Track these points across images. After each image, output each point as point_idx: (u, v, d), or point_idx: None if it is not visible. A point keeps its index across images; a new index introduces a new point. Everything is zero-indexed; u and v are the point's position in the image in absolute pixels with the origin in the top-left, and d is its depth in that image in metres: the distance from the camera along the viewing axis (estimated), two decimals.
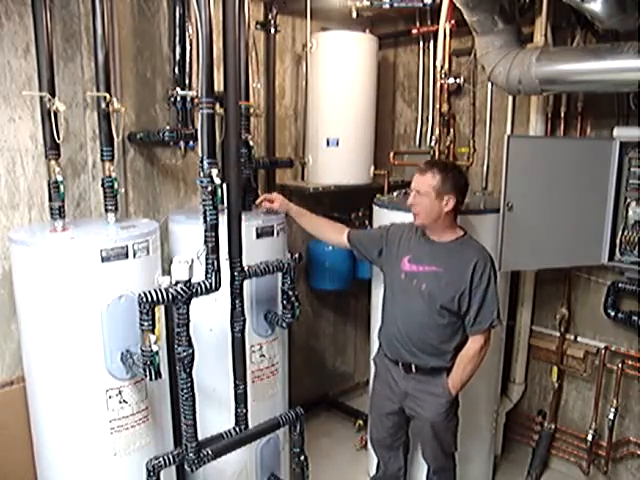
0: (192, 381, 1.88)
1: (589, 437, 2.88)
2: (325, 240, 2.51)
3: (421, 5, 2.91)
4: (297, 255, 2.23)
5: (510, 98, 2.88)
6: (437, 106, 2.82)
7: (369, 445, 2.64)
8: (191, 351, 1.84)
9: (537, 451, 3.06)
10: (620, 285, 2.71)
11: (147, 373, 1.80)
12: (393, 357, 2.19)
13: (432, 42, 3.17)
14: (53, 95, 1.96)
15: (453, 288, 2.01)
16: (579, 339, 2.96)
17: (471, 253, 2.03)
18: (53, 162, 2.00)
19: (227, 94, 1.90)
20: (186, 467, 1.96)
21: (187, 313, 1.80)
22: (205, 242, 1.85)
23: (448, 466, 2.29)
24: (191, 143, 2.56)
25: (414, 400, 2.16)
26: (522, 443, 3.21)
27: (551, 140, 2.71)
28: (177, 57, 2.46)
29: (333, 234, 2.40)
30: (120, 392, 1.95)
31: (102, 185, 2.10)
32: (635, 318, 2.68)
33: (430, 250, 2.09)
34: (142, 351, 1.78)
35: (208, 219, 1.82)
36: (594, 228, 2.59)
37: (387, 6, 2.94)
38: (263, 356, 2.42)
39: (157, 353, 1.78)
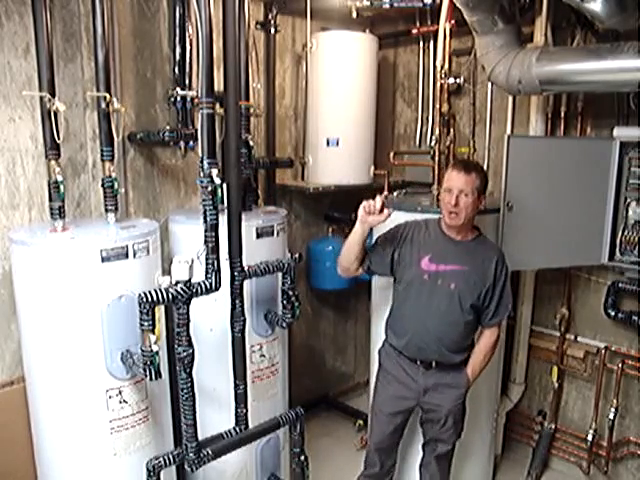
0: (192, 381, 1.89)
1: (589, 437, 2.88)
2: (344, 265, 2.21)
3: (421, 5, 2.91)
4: (297, 255, 2.24)
5: (510, 98, 2.87)
6: (437, 106, 2.81)
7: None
8: (191, 351, 1.84)
9: (537, 451, 3.06)
10: (620, 285, 2.71)
11: (147, 373, 1.80)
12: (413, 357, 2.16)
13: (432, 42, 3.17)
14: (53, 95, 1.96)
15: (479, 286, 2.08)
16: (579, 339, 2.95)
17: (491, 251, 2.13)
18: (53, 162, 2.00)
19: (227, 94, 1.90)
20: (186, 467, 1.97)
21: (187, 313, 1.80)
22: (205, 242, 1.85)
23: (451, 453, 2.31)
24: (191, 143, 2.57)
25: (433, 395, 2.18)
26: (522, 443, 3.21)
27: (551, 140, 2.71)
28: (177, 57, 2.47)
29: (355, 263, 2.17)
30: (120, 392, 1.95)
31: (102, 185, 2.10)
32: (635, 318, 2.68)
33: (453, 249, 2.10)
34: (142, 351, 1.78)
35: (208, 219, 1.82)
36: (594, 228, 2.59)
37: (387, 6, 2.94)
38: (263, 356, 2.42)
39: (157, 353, 1.79)
